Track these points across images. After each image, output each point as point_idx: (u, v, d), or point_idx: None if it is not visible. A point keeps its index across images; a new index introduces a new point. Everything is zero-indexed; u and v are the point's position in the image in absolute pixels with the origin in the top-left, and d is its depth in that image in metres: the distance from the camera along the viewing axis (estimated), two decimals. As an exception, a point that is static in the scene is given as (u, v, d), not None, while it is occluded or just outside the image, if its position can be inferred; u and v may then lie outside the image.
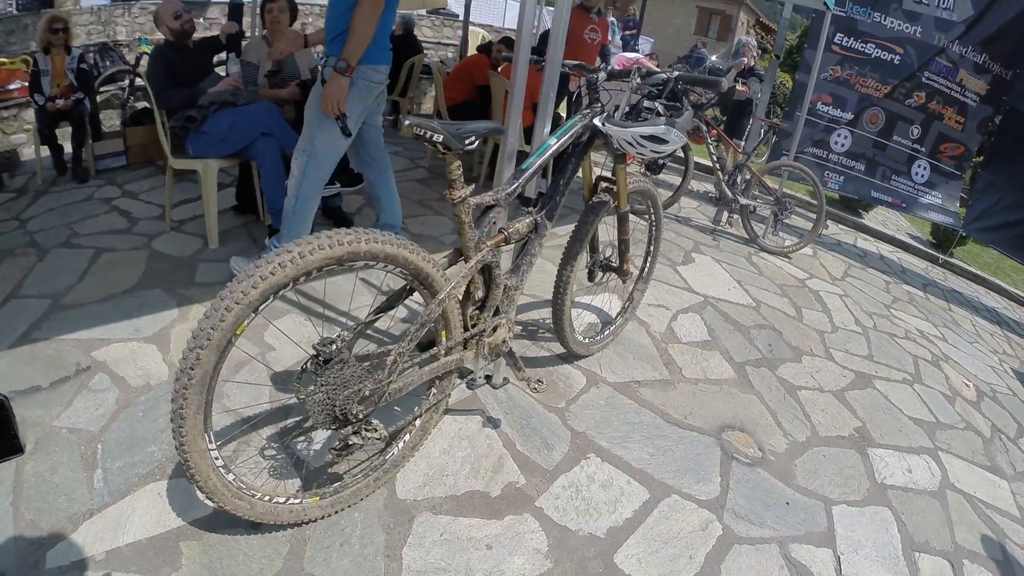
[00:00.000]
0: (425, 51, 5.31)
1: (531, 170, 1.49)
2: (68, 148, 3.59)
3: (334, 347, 1.22)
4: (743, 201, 3.83)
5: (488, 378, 1.66)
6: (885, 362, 2.82)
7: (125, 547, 1.29)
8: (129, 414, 1.66)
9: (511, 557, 1.40)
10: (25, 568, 1.23)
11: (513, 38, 4.77)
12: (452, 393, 1.80)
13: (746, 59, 4.84)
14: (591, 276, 2.08)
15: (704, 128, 3.83)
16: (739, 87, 4.48)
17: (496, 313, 1.55)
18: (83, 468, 1.47)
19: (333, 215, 3.07)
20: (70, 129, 3.43)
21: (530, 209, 1.57)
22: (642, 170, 4.46)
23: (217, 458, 1.18)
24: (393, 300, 1.39)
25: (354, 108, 2.16)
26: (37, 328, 2.05)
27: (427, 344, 1.46)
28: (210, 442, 1.14)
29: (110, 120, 4.70)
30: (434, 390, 1.52)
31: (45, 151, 3.56)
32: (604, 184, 1.84)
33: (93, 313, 2.14)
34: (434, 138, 1.19)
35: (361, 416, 1.25)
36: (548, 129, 1.57)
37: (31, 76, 3.49)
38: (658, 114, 1.57)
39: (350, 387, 1.22)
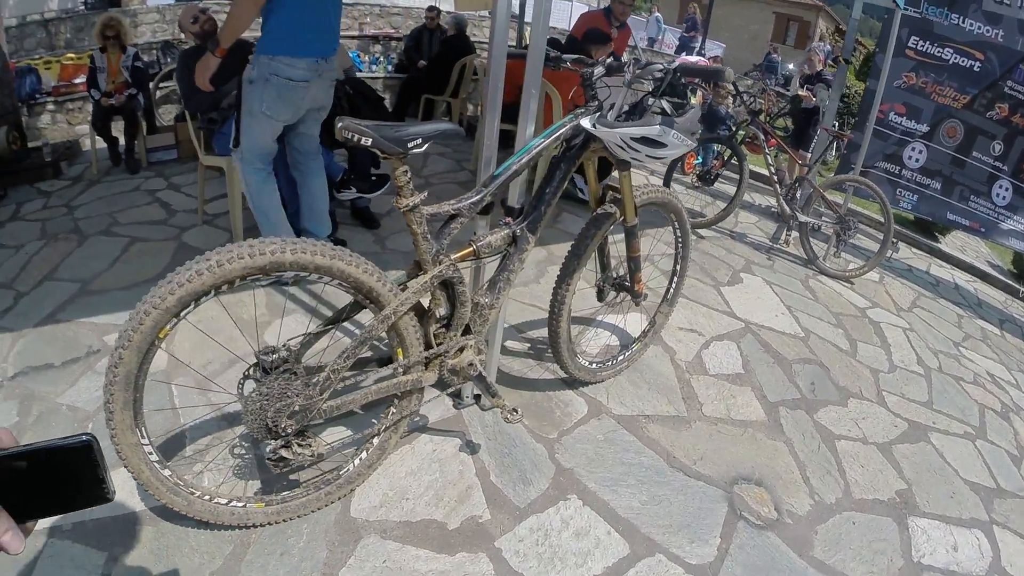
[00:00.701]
0: (480, 52, 5.28)
1: (503, 176, 1.38)
2: (123, 141, 3.82)
3: (275, 356, 1.22)
4: (802, 218, 3.55)
5: (477, 397, 1.58)
6: (946, 411, 2.47)
7: (90, 521, 1.38)
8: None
9: (451, 600, 1.29)
10: None
11: (558, 39, 4.57)
12: (432, 412, 1.80)
13: (810, 64, 4.52)
14: (600, 295, 1.95)
15: (762, 137, 3.55)
16: (802, 93, 4.12)
17: (466, 332, 1.46)
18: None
19: (361, 215, 3.07)
20: (124, 123, 3.63)
21: (508, 220, 1.46)
22: (694, 180, 4.19)
23: (151, 453, 1.21)
24: (340, 314, 1.35)
25: (275, 107, 2.12)
26: (62, 310, 2.22)
27: (386, 360, 1.37)
28: (142, 437, 1.18)
29: (169, 114, 5.02)
30: (393, 409, 1.43)
31: (101, 143, 3.81)
32: (611, 193, 1.72)
33: (114, 299, 2.29)
34: (362, 141, 1.09)
35: (290, 431, 1.23)
36: (531, 130, 1.43)
37: (89, 72, 3.79)
38: (664, 113, 1.41)
39: (283, 400, 1.21)
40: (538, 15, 1.36)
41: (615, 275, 1.94)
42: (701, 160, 5.01)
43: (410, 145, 1.18)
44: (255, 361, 1.23)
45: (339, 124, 1.11)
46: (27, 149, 3.92)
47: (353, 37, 7.73)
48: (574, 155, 1.53)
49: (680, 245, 2.09)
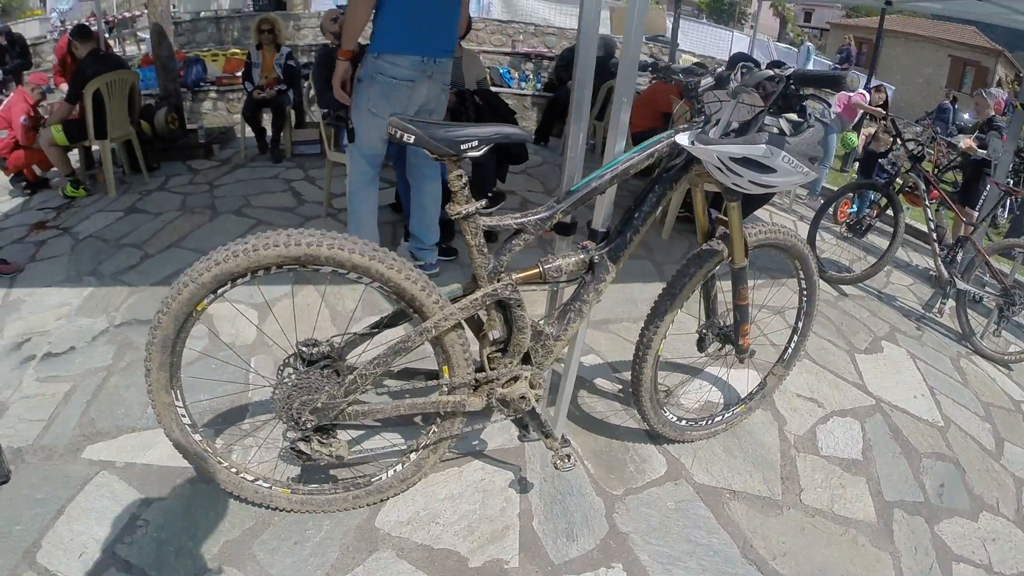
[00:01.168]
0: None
1: (579, 193, 1.26)
2: (270, 132, 4.22)
3: (316, 350, 1.23)
4: (961, 285, 3.08)
5: (547, 435, 1.45)
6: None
7: (140, 465, 1.55)
8: (203, 364, 1.89)
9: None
10: (68, 451, 1.60)
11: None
12: (493, 438, 1.73)
13: (978, 109, 4.01)
14: (701, 344, 1.73)
15: (923, 187, 3.08)
16: (965, 142, 3.52)
17: (526, 362, 1.35)
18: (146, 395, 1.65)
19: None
20: (272, 115, 4.00)
21: (586, 244, 1.33)
22: (843, 230, 3.68)
23: (184, 416, 1.27)
24: (389, 320, 1.30)
25: (380, 105, 2.13)
26: (177, 275, 2.39)
27: (434, 375, 1.28)
28: (176, 399, 1.24)
29: (318, 112, 5.47)
30: (435, 428, 1.35)
31: (250, 132, 4.24)
32: (722, 228, 1.53)
33: None
34: (404, 138, 1.03)
35: (309, 425, 1.22)
36: (621, 145, 1.31)
37: (245, 67, 4.22)
38: (780, 132, 1.19)
39: (310, 394, 1.20)
40: (630, 25, 1.26)
41: (721, 324, 1.72)
42: (856, 208, 4.46)
43: (463, 147, 1.11)
44: (294, 352, 1.24)
45: (388, 119, 1.09)
46: (184, 130, 4.57)
47: (506, 53, 8.04)
48: (672, 177, 1.36)
49: (805, 299, 1.84)
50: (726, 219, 1.50)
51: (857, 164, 6.12)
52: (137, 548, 1.34)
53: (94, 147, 3.69)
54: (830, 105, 1.98)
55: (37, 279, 2.56)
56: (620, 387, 2.05)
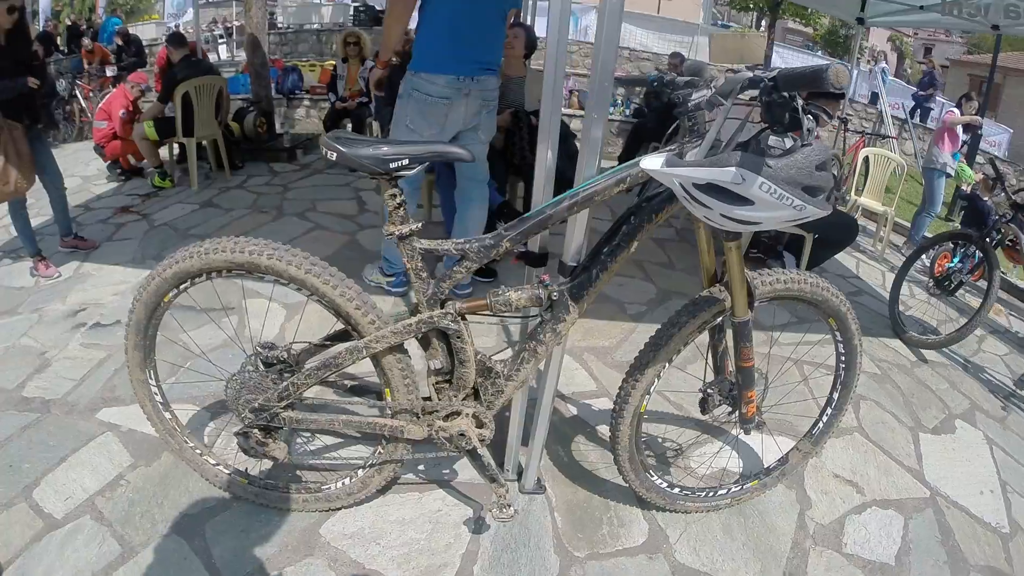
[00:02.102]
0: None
1: (531, 221, 1.21)
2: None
3: (271, 353, 1.36)
4: None
5: (491, 479, 1.45)
6: None
7: (139, 433, 1.79)
8: (221, 352, 2.10)
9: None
10: (86, 409, 1.91)
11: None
12: (465, 470, 1.73)
13: None
14: (704, 406, 1.58)
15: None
16: None
17: (474, 398, 1.37)
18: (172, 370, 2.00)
19: (523, 253, 3.10)
20: (351, 126, 4.37)
21: (544, 278, 1.29)
22: (930, 285, 3.35)
23: (156, 394, 1.45)
24: (337, 334, 1.39)
25: (417, 122, 2.22)
26: None
27: (380, 396, 1.34)
28: (150, 378, 1.43)
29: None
30: (380, 449, 1.42)
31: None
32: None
33: None
34: (328, 155, 1.08)
35: (247, 422, 1.33)
36: (593, 168, 1.26)
37: (331, 78, 4.61)
38: (785, 153, 1.03)
39: (252, 393, 1.32)
40: (600, 36, 1.14)
41: (732, 383, 1.56)
42: (958, 261, 3.98)
43: (392, 165, 1.15)
44: (252, 352, 1.37)
45: (321, 137, 1.16)
46: (272, 134, 5.13)
47: None
48: (654, 208, 1.24)
49: (842, 366, 1.63)
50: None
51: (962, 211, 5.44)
52: (112, 503, 1.56)
53: (180, 144, 4.27)
54: (830, 117, 1.55)
55: (107, 257, 3.01)
56: (673, 438, 1.98)
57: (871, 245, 4.68)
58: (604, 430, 1.97)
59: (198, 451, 1.52)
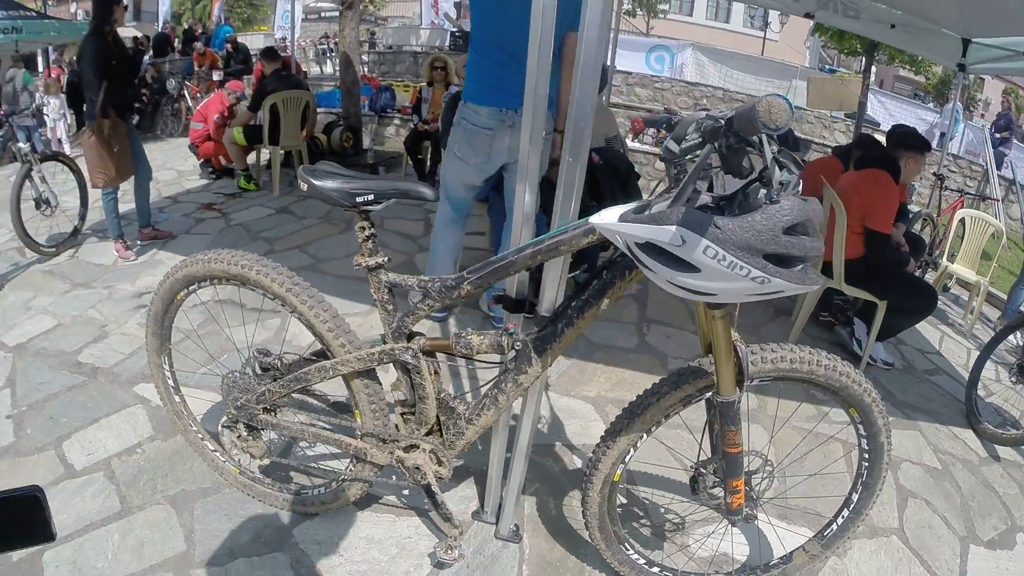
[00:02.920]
0: (805, 151, 5.03)
1: (493, 266, 1.24)
2: (429, 164, 4.95)
3: (265, 359, 1.55)
4: None
5: (445, 518, 1.51)
6: None
7: (160, 409, 2.02)
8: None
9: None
10: (126, 382, 2.19)
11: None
12: (449, 503, 1.73)
13: None
14: (694, 484, 1.48)
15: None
16: None
17: (432, 433, 1.45)
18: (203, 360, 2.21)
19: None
20: (431, 148, 4.70)
21: (510, 326, 1.33)
22: (1017, 368, 2.94)
23: (169, 378, 1.69)
24: (319, 353, 1.50)
25: (464, 150, 2.35)
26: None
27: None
28: (164, 363, 1.67)
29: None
30: (351, 466, 1.56)
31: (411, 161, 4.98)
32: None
33: (324, 281, 3.11)
34: (301, 185, 1.23)
35: (230, 417, 1.53)
36: (570, 212, 1.25)
37: (416, 100, 4.97)
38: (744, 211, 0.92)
39: (240, 392, 1.51)
40: (578, 69, 1.13)
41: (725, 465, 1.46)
42: None
43: (358, 200, 1.27)
44: (250, 355, 1.57)
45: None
46: (357, 149, 5.59)
47: None
48: (626, 264, 1.18)
49: (865, 463, 1.46)
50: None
51: None
52: (125, 466, 1.83)
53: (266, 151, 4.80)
54: (800, 168, 1.21)
55: (182, 248, 3.45)
56: (626, 502, 1.94)
57: (960, 318, 4.26)
58: (631, 494, 1.94)
59: (199, 435, 1.73)
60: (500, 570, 1.62)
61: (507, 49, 2.22)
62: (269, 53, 5.10)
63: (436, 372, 1.39)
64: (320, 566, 1.56)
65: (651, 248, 0.95)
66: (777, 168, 0.88)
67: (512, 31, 2.27)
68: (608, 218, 1.02)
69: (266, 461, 1.75)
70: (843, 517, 1.57)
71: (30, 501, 0.58)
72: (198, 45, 9.11)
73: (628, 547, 1.58)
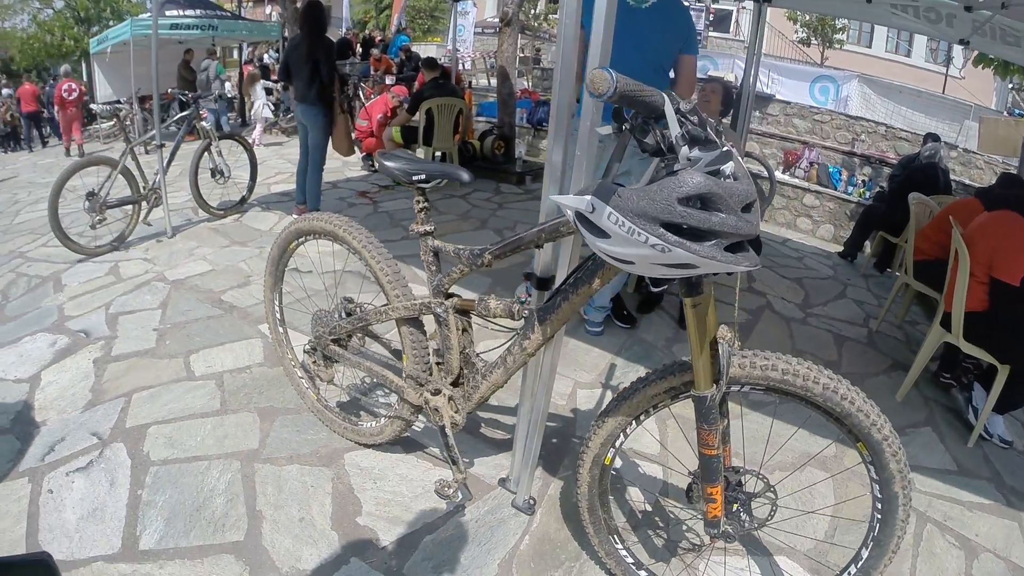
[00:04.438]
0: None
1: (507, 240, 1.52)
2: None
3: (348, 305, 2.00)
4: None
5: (452, 461, 1.75)
6: None
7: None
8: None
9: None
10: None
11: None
12: (481, 466, 2.08)
13: None
14: (689, 494, 1.56)
15: None
16: None
17: (458, 385, 1.75)
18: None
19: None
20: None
21: (523, 295, 1.61)
22: None
23: (277, 312, 2.23)
24: None
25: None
26: (401, 259, 3.39)
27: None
28: (275, 299, 2.20)
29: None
30: (396, 405, 1.94)
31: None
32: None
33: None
34: (375, 164, 1.59)
35: (310, 343, 2.04)
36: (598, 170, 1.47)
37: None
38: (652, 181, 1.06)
39: (322, 326, 1.99)
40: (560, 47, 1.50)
41: (737, 477, 1.46)
42: None
43: (414, 177, 1.66)
44: (339, 302, 2.04)
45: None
46: (508, 158, 6.21)
47: (842, 151, 7.73)
48: None
49: (877, 514, 1.37)
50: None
51: None
52: (233, 380, 2.44)
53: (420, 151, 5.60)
54: (727, 146, 1.07)
55: None
56: (632, 499, 2.02)
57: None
58: (635, 494, 2.04)
59: (292, 363, 2.24)
60: (504, 533, 1.83)
61: (624, 71, 2.52)
62: (429, 62, 5.93)
63: (464, 330, 1.72)
64: (354, 485, 1.95)
65: (581, 217, 1.09)
66: (686, 145, 1.02)
67: (629, 55, 2.55)
68: (561, 199, 1.15)
69: (341, 395, 2.21)
70: (849, 574, 1.46)
71: (38, 568, 0.61)
72: (375, 51, 10.56)
73: (617, 541, 1.66)
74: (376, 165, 1.73)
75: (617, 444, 1.55)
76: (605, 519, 1.65)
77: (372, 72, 9.90)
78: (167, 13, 8.64)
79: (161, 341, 2.74)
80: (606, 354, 2.90)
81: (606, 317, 3.12)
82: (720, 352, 1.29)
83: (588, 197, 1.05)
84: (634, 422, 1.51)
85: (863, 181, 7.10)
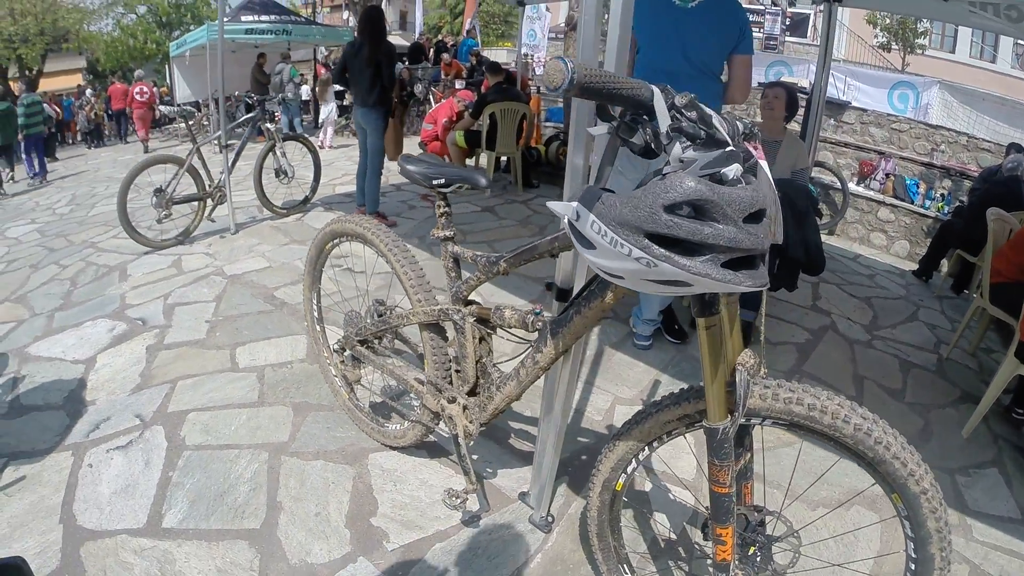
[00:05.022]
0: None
1: (521, 249, 1.48)
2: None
3: (381, 308, 2.06)
4: None
5: (464, 471, 1.75)
6: None
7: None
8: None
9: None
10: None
11: None
12: (502, 479, 2.09)
13: None
14: (705, 530, 1.45)
15: None
16: None
17: (472, 393, 1.75)
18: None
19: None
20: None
21: (538, 307, 1.57)
22: None
23: (315, 310, 2.31)
24: None
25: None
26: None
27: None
28: (313, 298, 2.29)
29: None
30: (417, 410, 1.99)
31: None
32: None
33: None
34: (398, 168, 1.63)
35: (339, 343, 2.13)
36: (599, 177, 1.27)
37: None
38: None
39: (351, 326, 2.08)
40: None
41: (756, 515, 1.35)
42: None
43: (434, 181, 1.67)
44: (371, 303, 2.10)
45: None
46: None
47: (920, 163, 7.27)
48: None
49: (912, 571, 1.19)
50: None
51: None
52: (273, 374, 2.55)
53: (482, 155, 5.73)
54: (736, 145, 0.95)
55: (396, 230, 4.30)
56: (653, 533, 1.93)
57: None
58: (661, 519, 1.98)
59: (328, 360, 2.31)
60: (516, 548, 1.81)
61: (651, 68, 2.55)
62: (493, 67, 6.03)
63: (482, 339, 1.72)
64: (374, 485, 1.99)
65: (571, 226, 0.99)
66: (680, 144, 0.90)
67: (673, 57, 2.59)
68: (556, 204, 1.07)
69: (372, 396, 2.27)
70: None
71: (11, 571, 0.62)
72: (445, 56, 10.88)
73: (627, 570, 1.61)
74: (399, 167, 1.80)
75: (628, 470, 1.47)
76: (615, 547, 1.59)
77: (443, 77, 10.17)
78: (242, 18, 9.23)
79: (211, 332, 2.91)
80: (651, 369, 2.83)
81: (656, 330, 3.05)
82: (739, 380, 1.15)
83: (574, 204, 0.96)
84: (647, 448, 1.42)
85: (942, 195, 6.69)
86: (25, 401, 2.46)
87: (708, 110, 0.96)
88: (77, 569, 1.67)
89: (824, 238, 6.46)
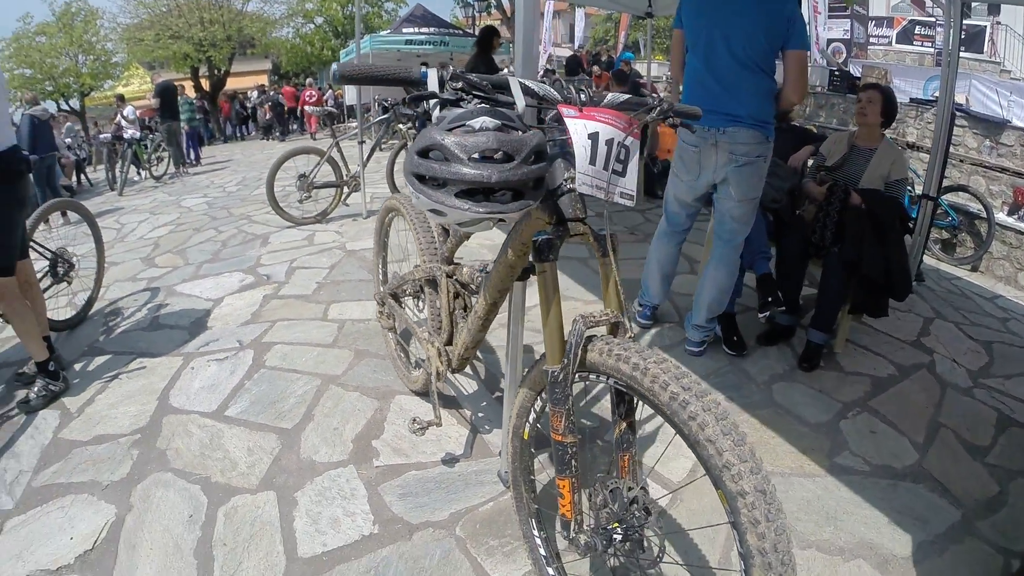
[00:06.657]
0: None
1: None
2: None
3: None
4: None
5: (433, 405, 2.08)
6: None
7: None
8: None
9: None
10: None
11: None
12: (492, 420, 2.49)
13: None
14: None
15: None
16: None
17: (449, 344, 2.12)
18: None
19: (777, 333, 3.28)
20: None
21: (488, 266, 1.84)
22: None
23: (381, 272, 2.86)
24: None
25: (679, 167, 2.75)
26: None
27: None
28: (381, 264, 2.84)
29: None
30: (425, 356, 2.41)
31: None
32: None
33: (572, 266, 4.09)
34: None
35: (379, 295, 2.62)
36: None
37: None
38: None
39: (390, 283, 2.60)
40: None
41: (621, 489, 1.26)
42: None
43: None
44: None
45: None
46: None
47: None
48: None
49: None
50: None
51: None
52: (351, 327, 3.20)
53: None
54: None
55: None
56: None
57: None
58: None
59: (382, 311, 2.81)
60: (474, 492, 2.06)
61: (702, 67, 2.68)
62: (619, 76, 6.34)
63: (456, 295, 2.13)
64: (387, 418, 2.48)
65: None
66: (439, 110, 1.20)
67: (719, 55, 2.65)
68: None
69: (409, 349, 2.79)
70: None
71: None
72: (595, 68, 11.35)
73: (535, 526, 1.64)
74: None
75: (530, 419, 1.51)
76: (527, 499, 1.63)
77: (595, 87, 10.57)
78: (404, 31, 10.48)
79: (317, 291, 3.68)
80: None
81: (715, 339, 3.12)
82: (572, 329, 1.25)
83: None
84: (538, 398, 1.47)
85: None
86: (163, 321, 3.39)
87: (474, 77, 1.20)
88: (156, 429, 2.40)
89: (965, 274, 6.17)
